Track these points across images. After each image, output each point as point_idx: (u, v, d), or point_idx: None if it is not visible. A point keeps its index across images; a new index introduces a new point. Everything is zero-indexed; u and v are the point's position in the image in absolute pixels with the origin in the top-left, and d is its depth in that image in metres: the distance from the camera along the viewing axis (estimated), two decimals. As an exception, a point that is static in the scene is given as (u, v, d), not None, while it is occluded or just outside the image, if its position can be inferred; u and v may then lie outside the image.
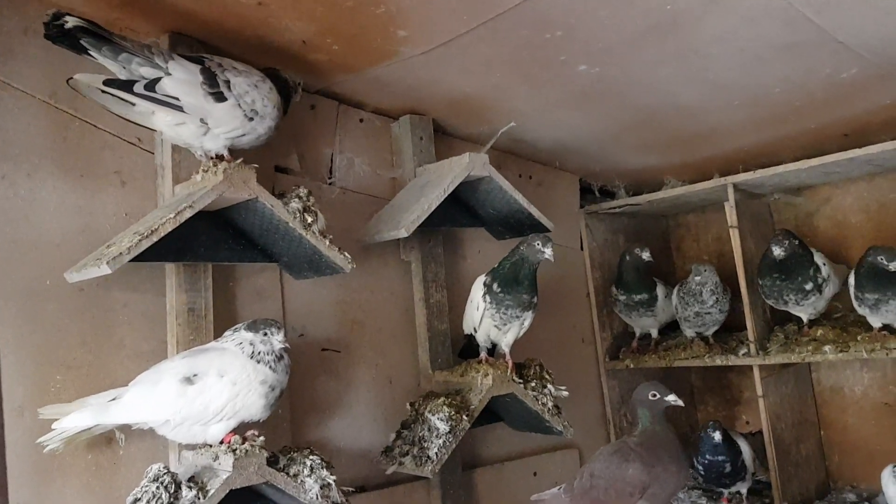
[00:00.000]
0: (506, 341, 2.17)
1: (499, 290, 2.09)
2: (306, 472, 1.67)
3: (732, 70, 2.06)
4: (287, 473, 1.65)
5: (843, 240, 2.74)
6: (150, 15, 1.75)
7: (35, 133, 1.70)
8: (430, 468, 1.94)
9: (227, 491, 1.54)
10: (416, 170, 2.31)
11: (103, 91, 1.60)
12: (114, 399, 1.59)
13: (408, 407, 2.14)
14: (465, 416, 2.03)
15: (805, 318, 2.49)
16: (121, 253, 1.50)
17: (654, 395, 1.98)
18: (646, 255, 2.65)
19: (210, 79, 1.67)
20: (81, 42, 1.54)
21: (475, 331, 2.19)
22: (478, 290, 2.14)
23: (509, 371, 2.14)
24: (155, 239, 1.55)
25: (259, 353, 1.64)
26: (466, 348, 2.29)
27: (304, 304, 2.09)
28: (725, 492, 2.51)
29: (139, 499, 1.47)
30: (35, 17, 1.64)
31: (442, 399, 2.07)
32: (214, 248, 1.80)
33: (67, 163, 1.73)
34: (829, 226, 2.77)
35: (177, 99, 1.63)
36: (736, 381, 3.04)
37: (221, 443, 1.62)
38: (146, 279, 1.79)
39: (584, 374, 2.82)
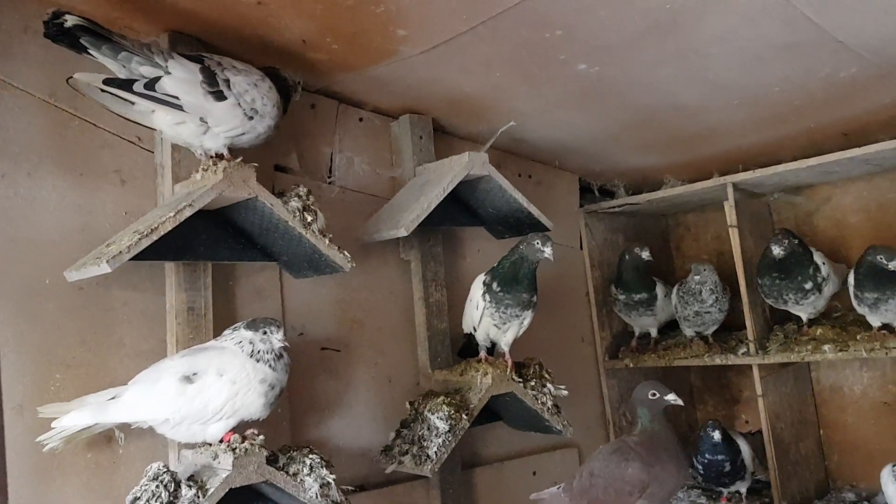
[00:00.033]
0: (505, 340, 2.17)
1: (498, 289, 2.09)
2: (306, 470, 1.67)
3: (732, 70, 2.06)
4: (286, 472, 1.65)
5: (842, 239, 2.74)
6: (149, 14, 1.75)
7: (35, 132, 1.70)
8: (429, 467, 1.94)
9: (227, 490, 1.54)
10: (415, 169, 2.31)
11: (103, 90, 1.59)
12: (113, 398, 1.59)
13: (407, 406, 2.14)
14: (464, 416, 2.03)
15: (804, 318, 2.49)
16: (120, 252, 1.50)
17: (654, 395, 1.97)
18: (645, 255, 2.65)
19: (210, 78, 1.66)
20: (81, 41, 1.54)
21: (475, 330, 2.19)
22: (477, 289, 2.14)
23: (509, 370, 2.13)
24: (154, 238, 1.55)
25: (258, 351, 1.64)
26: (466, 347, 2.29)
27: (304, 303, 2.09)
28: (725, 491, 2.51)
29: (139, 497, 1.47)
30: (35, 16, 1.63)
31: (441, 398, 2.07)
32: (214, 247, 1.80)
33: (67, 161, 1.73)
34: (829, 225, 2.77)
35: (176, 98, 1.63)
36: (735, 380, 3.04)
37: (221, 441, 1.61)
38: (146, 278, 1.79)
39: (583, 374, 2.82)
